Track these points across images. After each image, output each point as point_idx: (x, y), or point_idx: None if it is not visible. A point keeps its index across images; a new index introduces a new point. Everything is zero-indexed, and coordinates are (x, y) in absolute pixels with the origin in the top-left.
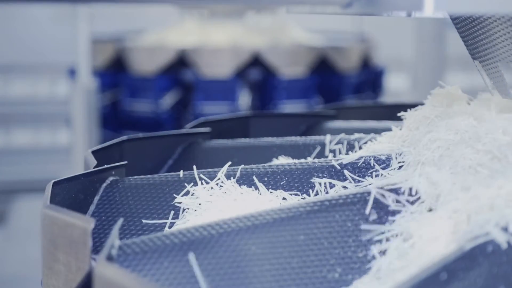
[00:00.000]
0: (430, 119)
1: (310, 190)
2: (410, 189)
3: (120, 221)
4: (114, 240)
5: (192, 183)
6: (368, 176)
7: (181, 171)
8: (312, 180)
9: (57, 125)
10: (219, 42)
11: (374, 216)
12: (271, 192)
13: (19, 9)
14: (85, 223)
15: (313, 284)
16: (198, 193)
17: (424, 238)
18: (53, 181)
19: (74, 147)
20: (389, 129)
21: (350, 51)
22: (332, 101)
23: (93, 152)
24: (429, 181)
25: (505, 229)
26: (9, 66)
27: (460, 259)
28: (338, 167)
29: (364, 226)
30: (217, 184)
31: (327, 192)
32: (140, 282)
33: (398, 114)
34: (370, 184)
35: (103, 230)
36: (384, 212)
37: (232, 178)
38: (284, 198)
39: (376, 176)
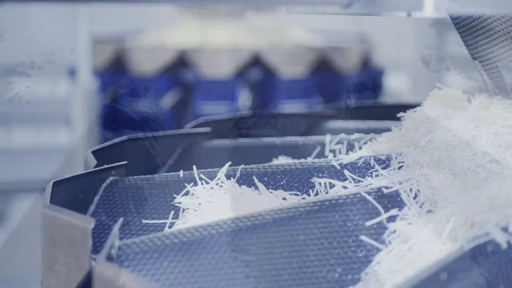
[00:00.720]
0: (430, 120)
1: (310, 190)
2: (410, 190)
3: (120, 221)
4: (114, 240)
5: (192, 183)
6: (368, 176)
7: (181, 171)
8: (312, 180)
9: (57, 125)
10: (219, 42)
11: (373, 217)
12: (271, 192)
13: (19, 9)
14: (85, 223)
15: (313, 284)
16: (198, 193)
17: (422, 239)
18: (53, 181)
19: (74, 147)
20: (389, 129)
21: (350, 51)
22: (332, 101)
23: (93, 152)
24: (428, 182)
25: (505, 229)
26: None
27: (460, 259)
28: (338, 167)
29: (364, 226)
30: (217, 184)
31: (327, 192)
32: (140, 282)
33: (398, 115)
34: (370, 184)
35: (103, 230)
36: (383, 213)
37: (232, 178)
38: (284, 198)
39: (376, 176)
